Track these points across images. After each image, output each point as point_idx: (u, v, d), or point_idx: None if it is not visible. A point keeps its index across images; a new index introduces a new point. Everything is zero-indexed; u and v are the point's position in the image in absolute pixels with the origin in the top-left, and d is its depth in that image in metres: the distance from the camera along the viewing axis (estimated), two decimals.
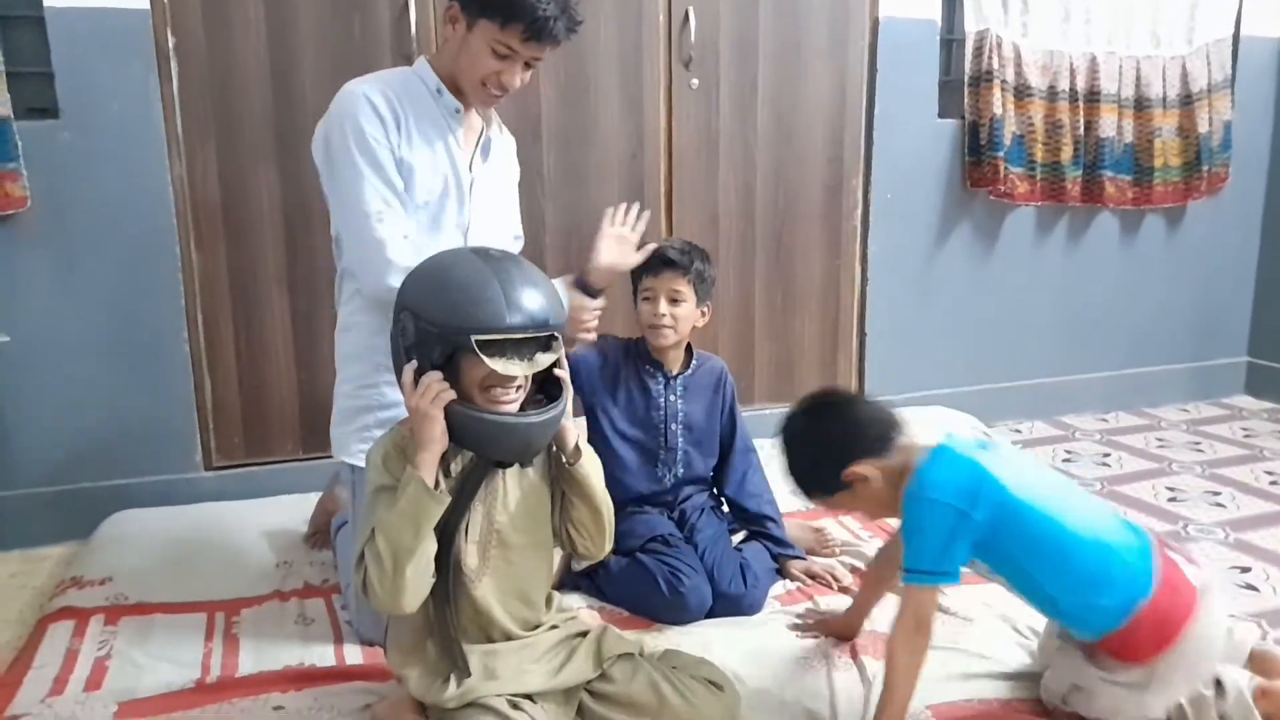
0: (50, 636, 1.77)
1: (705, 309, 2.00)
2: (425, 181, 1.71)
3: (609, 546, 1.47)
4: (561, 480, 1.41)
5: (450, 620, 1.34)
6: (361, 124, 1.64)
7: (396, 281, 1.38)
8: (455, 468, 1.34)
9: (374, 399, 1.73)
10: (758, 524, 2.03)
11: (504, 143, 1.92)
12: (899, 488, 1.45)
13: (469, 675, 1.34)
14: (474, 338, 1.22)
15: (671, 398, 2.01)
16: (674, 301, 1.93)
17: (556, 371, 1.34)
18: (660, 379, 2.01)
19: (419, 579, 1.27)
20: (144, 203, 2.32)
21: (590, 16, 2.59)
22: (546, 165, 2.64)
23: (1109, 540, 1.41)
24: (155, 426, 2.42)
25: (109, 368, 2.36)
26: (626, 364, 2.01)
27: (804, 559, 2.03)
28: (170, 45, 2.30)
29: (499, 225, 1.90)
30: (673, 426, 2.00)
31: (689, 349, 2.05)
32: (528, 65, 1.70)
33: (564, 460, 1.39)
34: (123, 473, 2.41)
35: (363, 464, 1.55)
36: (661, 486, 2.01)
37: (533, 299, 1.26)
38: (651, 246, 1.90)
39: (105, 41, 2.23)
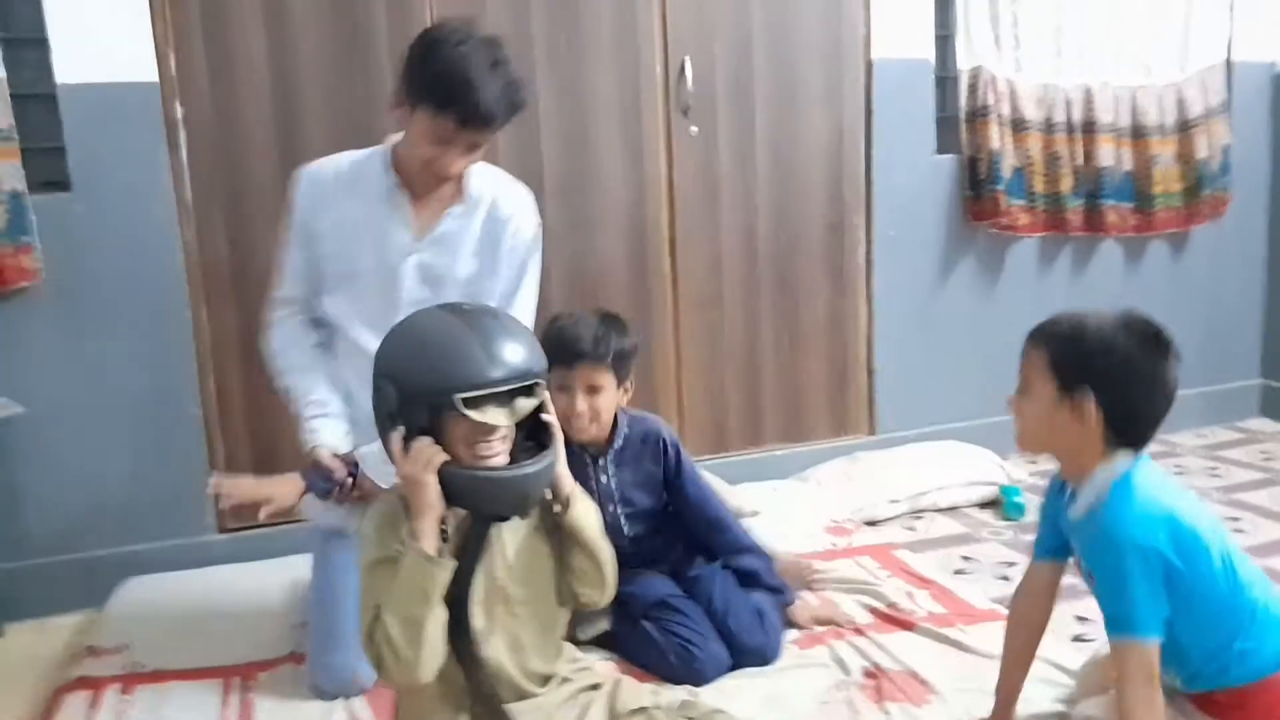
0: (66, 707, 1.76)
1: (628, 385, 1.84)
2: (341, 250, 1.79)
3: (611, 594, 1.43)
4: (557, 530, 1.39)
5: (480, 679, 1.31)
6: (291, 201, 1.82)
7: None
8: (449, 528, 1.31)
9: None
10: (749, 579, 1.90)
11: (470, 227, 1.81)
12: (1066, 453, 1.39)
13: None
14: (458, 396, 1.20)
15: (604, 479, 1.86)
16: (592, 391, 1.77)
17: (544, 418, 1.32)
18: (586, 461, 1.84)
19: (434, 649, 1.25)
20: (155, 270, 2.35)
21: (589, 69, 2.66)
22: (549, 216, 2.65)
23: (1268, 600, 1.36)
24: (168, 491, 2.42)
25: (122, 434, 2.37)
26: None
27: (798, 601, 1.95)
28: (179, 115, 2.35)
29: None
30: (610, 508, 1.85)
31: (615, 418, 1.86)
32: (473, 147, 1.68)
33: (554, 509, 1.36)
34: (136, 538, 2.41)
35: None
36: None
37: (513, 351, 1.25)
38: None
39: (115, 115, 2.28)
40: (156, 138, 2.32)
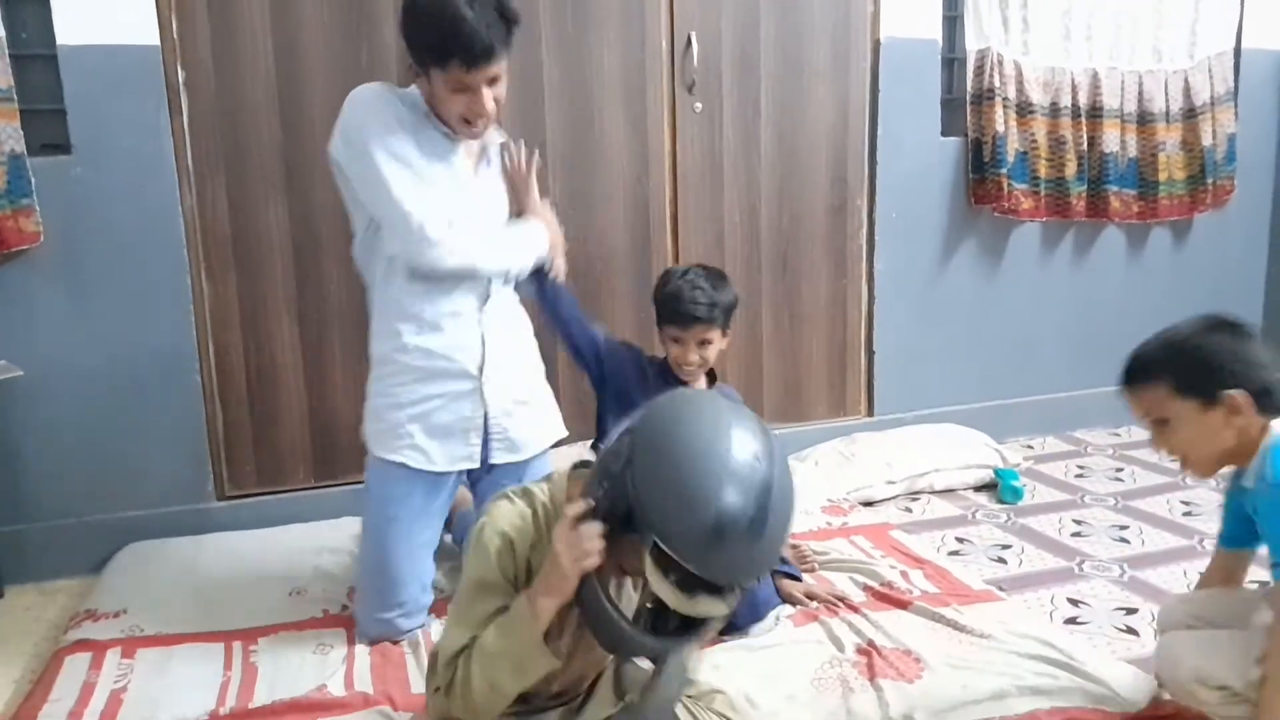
0: (66, 669, 1.77)
1: (728, 332, 2.03)
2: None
3: None
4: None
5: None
6: (388, 118, 1.72)
7: (434, 254, 1.70)
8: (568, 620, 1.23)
9: (405, 397, 1.82)
10: None
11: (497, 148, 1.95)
12: (1234, 451, 1.43)
13: None
14: (683, 569, 1.06)
15: None
16: (703, 344, 1.96)
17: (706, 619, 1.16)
18: None
19: (504, 705, 1.22)
20: (155, 235, 2.34)
21: (594, 42, 2.64)
22: (553, 191, 2.65)
23: None
24: (168, 457, 2.43)
25: (122, 400, 2.37)
26: (652, 378, 2.00)
27: (799, 578, 2.00)
28: (180, 79, 2.33)
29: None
30: None
31: (711, 372, 2.06)
32: (493, 80, 1.71)
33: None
34: (136, 504, 2.42)
35: (390, 457, 1.79)
36: None
37: (754, 570, 1.12)
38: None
39: (116, 77, 2.26)
40: (158, 102, 2.31)
